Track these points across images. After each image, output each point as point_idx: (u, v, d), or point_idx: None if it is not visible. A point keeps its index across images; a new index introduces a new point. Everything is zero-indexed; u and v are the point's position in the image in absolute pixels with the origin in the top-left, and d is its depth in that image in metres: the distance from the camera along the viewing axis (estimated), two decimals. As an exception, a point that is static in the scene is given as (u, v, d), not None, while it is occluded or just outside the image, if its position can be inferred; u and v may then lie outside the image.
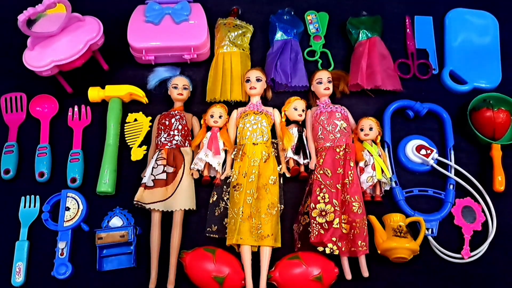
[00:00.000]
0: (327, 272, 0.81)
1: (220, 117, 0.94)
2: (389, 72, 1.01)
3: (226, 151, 0.93)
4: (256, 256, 0.84)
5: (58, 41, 0.90)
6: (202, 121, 0.95)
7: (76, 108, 0.99)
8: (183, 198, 0.88)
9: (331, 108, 0.93)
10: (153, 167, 0.89)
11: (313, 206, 0.84)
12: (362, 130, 0.92)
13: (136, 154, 0.94)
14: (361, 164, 0.90)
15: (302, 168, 0.91)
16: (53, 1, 0.85)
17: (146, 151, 0.95)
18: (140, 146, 0.95)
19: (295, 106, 0.94)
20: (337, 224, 0.82)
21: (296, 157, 0.90)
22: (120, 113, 0.98)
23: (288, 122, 0.96)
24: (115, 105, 0.97)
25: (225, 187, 0.91)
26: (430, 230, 0.88)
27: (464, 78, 1.03)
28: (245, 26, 1.06)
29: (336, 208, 0.83)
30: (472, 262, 0.87)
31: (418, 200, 0.92)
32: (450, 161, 0.94)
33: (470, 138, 0.98)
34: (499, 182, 0.90)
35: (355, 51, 1.04)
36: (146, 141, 0.96)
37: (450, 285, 0.86)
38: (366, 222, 0.85)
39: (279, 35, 1.03)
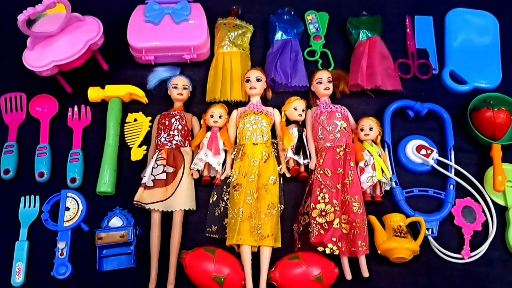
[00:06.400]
0: (327, 272, 0.81)
1: (220, 117, 0.93)
2: (389, 72, 1.01)
3: (226, 151, 0.93)
4: (256, 256, 0.84)
5: (58, 41, 0.90)
6: (202, 121, 0.95)
7: (76, 108, 0.99)
8: (183, 198, 0.88)
9: (331, 108, 0.93)
10: (153, 167, 0.89)
11: (313, 206, 0.84)
12: (362, 130, 0.92)
13: (136, 154, 0.94)
14: (361, 164, 0.90)
15: (302, 168, 0.91)
16: (53, 1, 0.85)
17: (146, 151, 0.95)
18: (140, 146, 0.95)
19: (295, 106, 0.94)
20: (337, 224, 0.82)
21: (296, 157, 0.90)
22: (120, 113, 0.97)
23: (288, 122, 0.95)
24: (115, 105, 0.97)
25: (225, 187, 0.90)
26: (430, 230, 0.88)
27: (464, 78, 1.03)
28: (245, 26, 1.05)
29: (336, 208, 0.83)
30: (472, 262, 0.87)
31: (418, 200, 0.92)
32: (450, 161, 0.94)
33: (470, 138, 0.97)
34: (500, 182, 0.89)
35: (355, 51, 1.04)
36: (146, 141, 0.96)
37: (450, 285, 0.86)
38: (366, 222, 0.85)
39: (279, 35, 1.03)
